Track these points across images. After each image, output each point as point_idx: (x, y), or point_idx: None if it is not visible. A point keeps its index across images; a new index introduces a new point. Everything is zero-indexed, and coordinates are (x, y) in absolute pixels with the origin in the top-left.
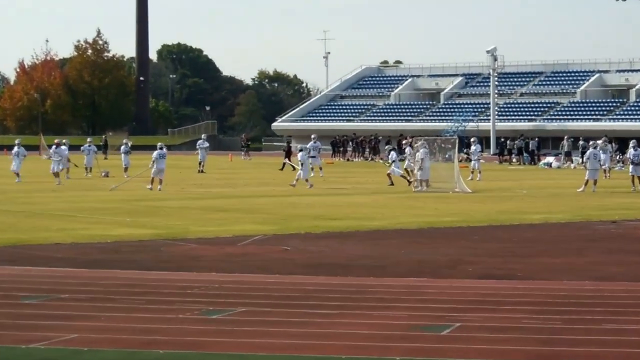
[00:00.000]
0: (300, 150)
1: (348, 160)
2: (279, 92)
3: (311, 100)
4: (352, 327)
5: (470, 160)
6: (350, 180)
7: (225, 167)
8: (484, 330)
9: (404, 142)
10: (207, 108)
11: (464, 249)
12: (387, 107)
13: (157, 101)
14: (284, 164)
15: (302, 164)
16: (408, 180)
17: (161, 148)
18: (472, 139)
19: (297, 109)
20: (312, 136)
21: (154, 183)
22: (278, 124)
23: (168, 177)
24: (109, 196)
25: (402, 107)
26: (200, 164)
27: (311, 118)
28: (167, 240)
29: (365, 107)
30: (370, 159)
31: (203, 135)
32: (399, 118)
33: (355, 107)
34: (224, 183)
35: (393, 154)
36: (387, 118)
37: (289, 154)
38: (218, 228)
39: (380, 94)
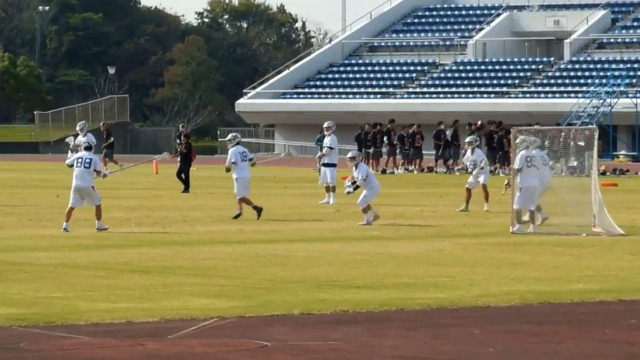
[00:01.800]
0: (354, 165)
1: (384, 171)
2: (249, 39)
3: (313, 55)
4: None
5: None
6: (388, 211)
7: (145, 186)
8: None
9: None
10: (111, 71)
11: (612, 345)
12: (459, 68)
13: (14, 57)
14: (184, 178)
15: (365, 178)
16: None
17: (87, 148)
18: None
19: (286, 72)
20: (326, 125)
21: (70, 216)
22: (248, 102)
23: (37, 203)
24: None
25: (490, 68)
26: None
27: (312, 90)
28: (33, 327)
29: (417, 68)
30: (435, 168)
31: (80, 125)
32: (482, 90)
33: (397, 69)
34: (142, 217)
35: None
36: (459, 90)
37: (187, 159)
38: (133, 304)
39: (447, 43)
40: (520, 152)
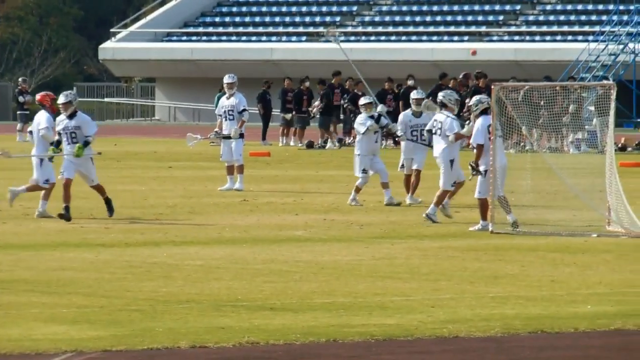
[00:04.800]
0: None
1: (311, 145)
2: None
3: None
4: None
5: None
6: (317, 202)
7: None
8: None
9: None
10: None
11: None
12: (404, 4)
13: None
14: None
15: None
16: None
17: None
18: None
19: (171, 4)
20: (229, 80)
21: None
22: (117, 46)
23: None
24: None
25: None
26: None
27: (208, 30)
28: None
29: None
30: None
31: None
32: (452, 30)
33: None
34: None
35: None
36: (419, 30)
37: None
38: None
39: None
40: (477, 119)
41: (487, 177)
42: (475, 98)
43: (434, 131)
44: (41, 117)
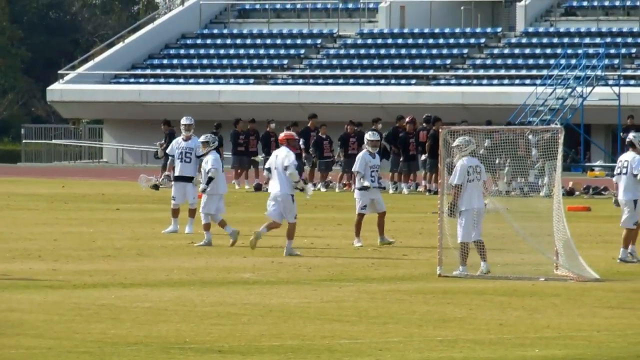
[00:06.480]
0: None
1: (259, 187)
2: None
3: (159, 22)
4: None
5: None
6: (264, 244)
7: None
8: None
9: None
10: None
11: None
12: (367, 42)
13: None
14: None
15: None
16: None
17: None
18: None
19: (119, 46)
20: (187, 121)
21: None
22: (65, 88)
23: None
24: None
25: (410, 42)
26: None
27: (156, 72)
28: None
29: (307, 42)
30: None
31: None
32: (398, 74)
33: (278, 42)
34: None
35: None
36: (366, 74)
37: None
38: None
39: (351, 6)
40: (460, 159)
41: (467, 220)
42: (463, 138)
43: (620, 171)
44: (290, 157)
